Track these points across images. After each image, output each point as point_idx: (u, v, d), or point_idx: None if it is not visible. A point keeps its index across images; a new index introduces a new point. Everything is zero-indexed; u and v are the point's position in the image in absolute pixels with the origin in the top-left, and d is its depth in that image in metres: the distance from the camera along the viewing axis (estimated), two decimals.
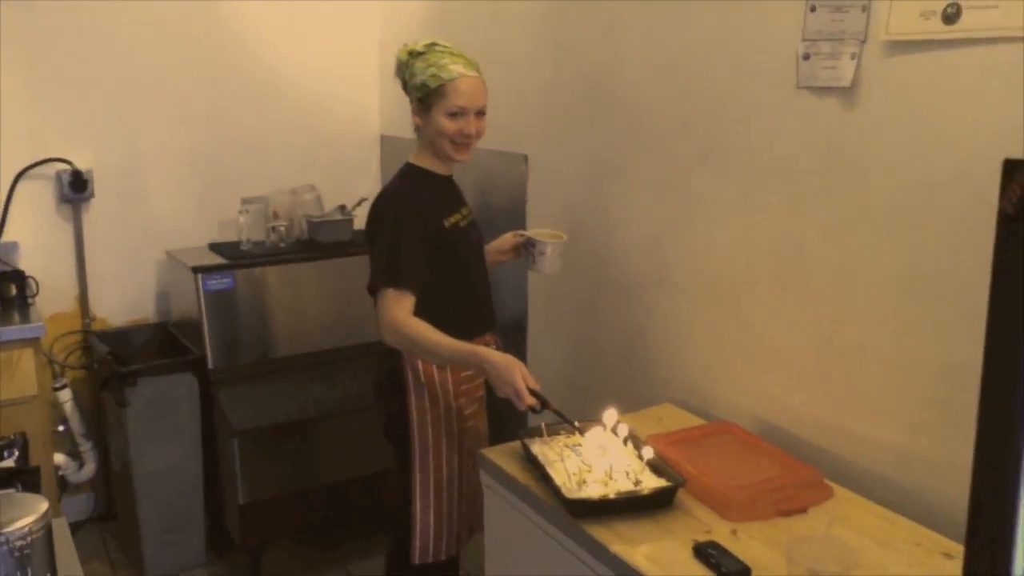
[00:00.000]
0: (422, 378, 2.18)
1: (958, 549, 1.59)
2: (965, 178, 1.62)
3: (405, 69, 2.16)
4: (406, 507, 2.24)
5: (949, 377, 1.69)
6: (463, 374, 2.20)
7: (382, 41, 3.80)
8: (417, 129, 2.20)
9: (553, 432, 1.99)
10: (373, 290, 2.11)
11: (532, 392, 1.93)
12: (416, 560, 2.24)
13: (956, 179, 1.64)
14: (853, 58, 1.78)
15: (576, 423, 1.98)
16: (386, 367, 2.24)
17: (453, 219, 2.19)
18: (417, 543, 2.23)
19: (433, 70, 2.10)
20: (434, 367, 2.17)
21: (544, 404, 1.95)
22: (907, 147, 1.72)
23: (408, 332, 2.03)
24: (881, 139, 1.77)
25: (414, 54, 2.14)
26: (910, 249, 1.74)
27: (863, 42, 1.77)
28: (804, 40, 1.88)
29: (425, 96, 2.13)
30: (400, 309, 2.04)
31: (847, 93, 1.81)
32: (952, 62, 1.62)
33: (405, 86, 2.18)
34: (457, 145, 2.14)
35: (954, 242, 1.66)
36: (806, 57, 1.88)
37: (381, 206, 2.17)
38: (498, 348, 2.24)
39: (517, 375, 1.93)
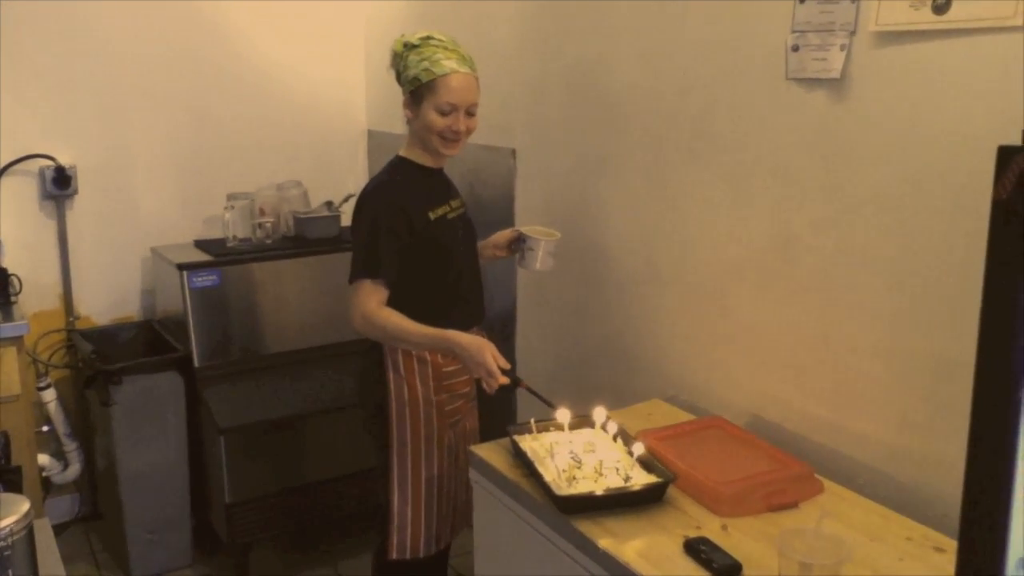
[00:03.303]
0: (402, 372, 2.17)
1: (949, 543, 1.59)
2: (955, 169, 1.62)
3: (399, 61, 2.15)
4: (386, 503, 2.23)
5: (940, 371, 1.69)
6: (444, 369, 2.19)
7: (368, 35, 3.78)
8: (408, 122, 2.19)
9: (543, 428, 1.98)
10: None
11: (504, 371, 1.98)
12: (394, 555, 2.23)
13: (946, 170, 1.63)
14: (843, 49, 1.77)
15: (551, 402, 2.01)
16: (367, 362, 2.24)
17: (439, 212, 2.18)
18: (395, 539, 2.23)
19: (426, 64, 2.08)
20: (415, 362, 2.17)
21: (516, 383, 2.01)
22: (897, 138, 1.71)
23: (377, 321, 2.07)
24: (871, 131, 1.76)
25: (409, 46, 2.13)
26: (900, 241, 1.73)
27: (853, 33, 1.76)
28: (793, 31, 1.87)
29: (416, 90, 2.12)
30: (372, 299, 2.08)
31: (837, 85, 1.80)
32: (942, 53, 1.61)
33: (399, 78, 2.17)
34: (446, 140, 2.13)
35: (944, 234, 1.65)
36: (795, 49, 1.87)
37: (363, 199, 2.17)
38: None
39: (487, 355, 1.98)
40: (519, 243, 2.33)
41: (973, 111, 1.58)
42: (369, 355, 2.23)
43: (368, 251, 2.09)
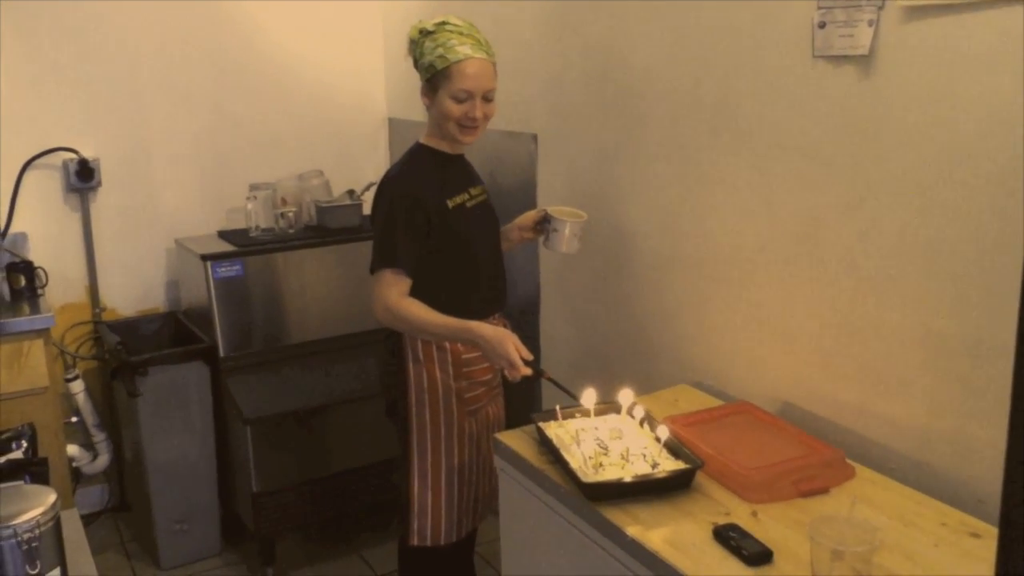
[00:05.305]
0: (421, 359, 2.17)
1: (985, 528, 1.56)
2: (987, 147, 1.57)
3: (415, 48, 2.13)
4: (406, 490, 2.22)
5: (973, 352, 1.65)
6: (464, 356, 2.18)
7: (387, 21, 3.76)
8: (427, 109, 2.17)
9: (568, 415, 1.96)
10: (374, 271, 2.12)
11: (527, 362, 1.97)
12: (414, 542, 2.24)
13: (978, 147, 1.59)
14: (871, 25, 1.73)
15: (574, 393, 1.99)
16: (387, 350, 2.23)
17: (458, 199, 2.16)
18: (415, 526, 2.23)
19: (440, 51, 2.06)
20: (434, 349, 2.16)
21: (539, 374, 2.00)
22: (928, 115, 1.67)
23: (400, 312, 2.06)
24: (900, 107, 1.72)
25: (424, 32, 2.11)
26: (930, 220, 1.69)
27: (881, 8, 1.71)
28: (819, 8, 1.83)
29: (432, 77, 2.10)
30: (393, 290, 2.07)
31: (865, 61, 1.76)
32: (974, 25, 1.57)
33: (416, 65, 2.15)
34: (463, 128, 2.12)
35: (976, 213, 1.61)
36: (822, 25, 1.83)
37: (382, 188, 2.17)
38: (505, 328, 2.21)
39: (510, 346, 1.97)
40: (545, 223, 2.31)
41: (1006, 86, 1.53)
42: (388, 343, 2.22)
43: (387, 241, 2.09)
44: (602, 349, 2.69)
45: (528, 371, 1.97)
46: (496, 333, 2.00)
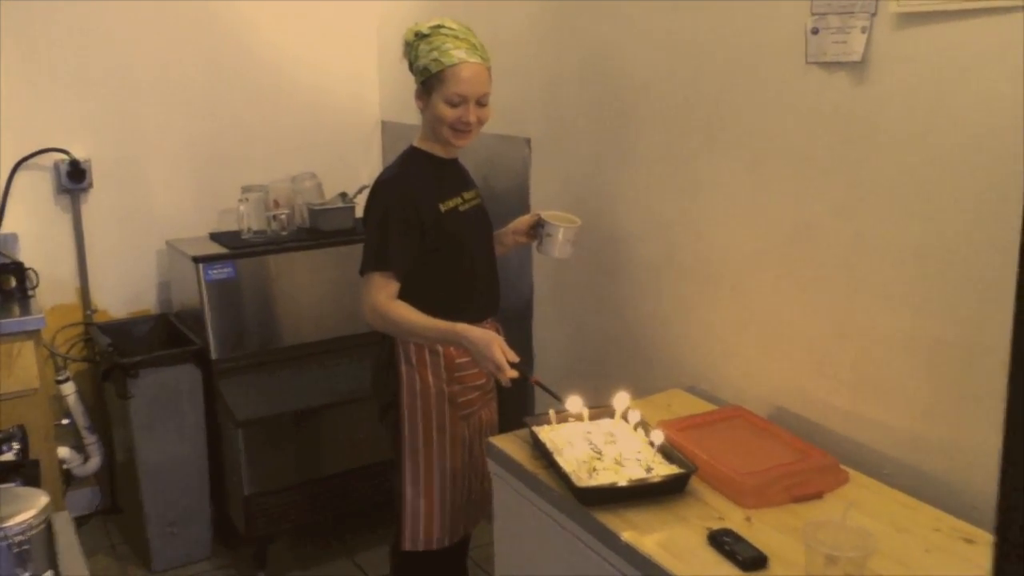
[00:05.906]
0: (413, 363, 2.16)
1: (979, 534, 1.56)
2: (980, 152, 1.58)
3: (410, 51, 2.13)
4: (399, 494, 2.22)
5: (967, 357, 1.66)
6: (457, 361, 2.17)
7: (382, 24, 3.75)
8: (421, 112, 2.17)
9: (562, 419, 1.96)
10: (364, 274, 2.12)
11: (514, 365, 1.96)
12: (407, 547, 2.23)
13: (971, 154, 1.60)
14: (864, 32, 1.74)
15: (560, 396, 1.99)
16: (379, 353, 2.23)
17: (451, 203, 2.16)
18: (407, 530, 2.22)
19: (435, 54, 2.06)
20: (426, 353, 2.16)
21: (525, 377, 1.99)
22: (921, 122, 1.68)
23: (389, 315, 2.07)
24: (893, 114, 1.72)
25: (419, 35, 2.11)
26: (924, 225, 1.70)
27: (874, 15, 1.72)
28: (813, 14, 1.84)
29: (426, 81, 2.10)
30: (382, 293, 2.07)
31: (858, 68, 1.77)
32: (967, 33, 1.57)
33: (411, 67, 2.15)
34: (457, 132, 2.12)
35: (969, 217, 1.62)
36: (815, 32, 1.84)
37: (375, 191, 2.17)
38: (498, 333, 2.21)
39: (496, 349, 1.96)
40: (539, 228, 2.30)
41: (998, 93, 1.54)
42: (381, 346, 2.22)
43: (378, 244, 2.09)
44: (595, 353, 2.69)
45: (514, 373, 1.96)
46: (483, 336, 2.00)
